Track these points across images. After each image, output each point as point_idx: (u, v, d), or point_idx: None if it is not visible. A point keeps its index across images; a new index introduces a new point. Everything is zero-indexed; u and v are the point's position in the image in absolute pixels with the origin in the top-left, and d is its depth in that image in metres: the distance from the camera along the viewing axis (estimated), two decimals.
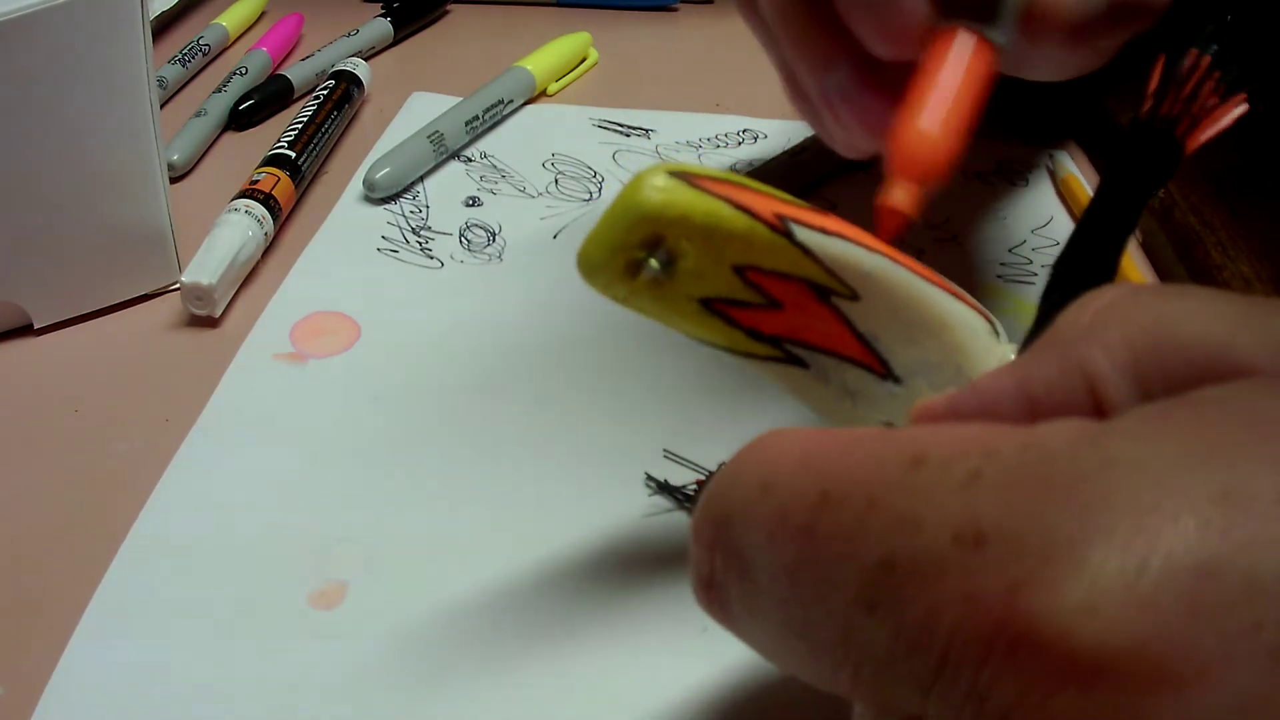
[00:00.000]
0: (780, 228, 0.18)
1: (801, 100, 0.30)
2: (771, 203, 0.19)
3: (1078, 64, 0.30)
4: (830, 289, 0.19)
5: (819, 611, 0.15)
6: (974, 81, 0.23)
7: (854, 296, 0.19)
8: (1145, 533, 0.13)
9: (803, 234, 0.19)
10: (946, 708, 0.14)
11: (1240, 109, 0.22)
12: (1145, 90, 0.23)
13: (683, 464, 0.31)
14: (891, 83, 0.26)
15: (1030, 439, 0.15)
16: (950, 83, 0.23)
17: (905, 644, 0.14)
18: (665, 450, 0.31)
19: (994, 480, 0.14)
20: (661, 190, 0.18)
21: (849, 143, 0.29)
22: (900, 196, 0.22)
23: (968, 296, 0.21)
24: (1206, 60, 0.22)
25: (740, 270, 0.19)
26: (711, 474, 0.30)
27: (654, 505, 0.30)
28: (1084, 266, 0.24)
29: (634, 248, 0.18)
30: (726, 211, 0.18)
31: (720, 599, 0.17)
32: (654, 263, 0.18)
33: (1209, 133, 0.22)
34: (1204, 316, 0.16)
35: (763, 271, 0.19)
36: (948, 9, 0.24)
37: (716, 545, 0.17)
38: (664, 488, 0.30)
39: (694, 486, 0.30)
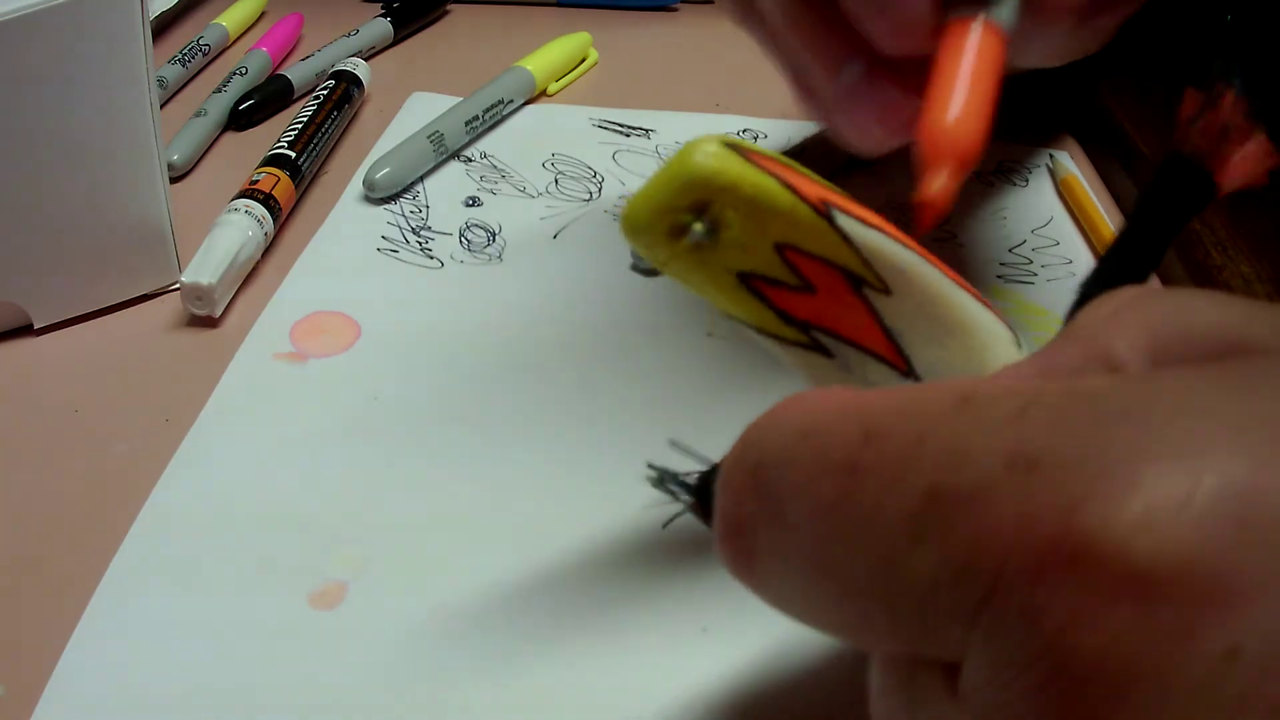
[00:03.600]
0: (823, 210, 0.19)
1: (811, 100, 0.30)
2: (817, 187, 0.19)
3: (1072, 48, 0.30)
4: (864, 279, 0.19)
5: (857, 549, 0.15)
6: (990, 68, 0.23)
7: (886, 290, 0.20)
8: (1197, 456, 0.13)
9: (843, 220, 0.19)
10: (994, 634, 0.14)
11: (1270, 157, 0.22)
12: (1176, 122, 0.23)
13: (688, 456, 0.31)
14: (903, 76, 0.26)
15: (1073, 384, 0.15)
16: (968, 71, 0.23)
17: (952, 571, 0.14)
18: (670, 440, 0.31)
19: (1043, 413, 0.14)
20: (714, 156, 0.18)
21: (865, 140, 0.29)
22: (936, 188, 0.22)
23: (993, 306, 0.21)
24: (1230, 93, 0.22)
25: (780, 248, 0.19)
26: (715, 465, 0.30)
27: (654, 504, 0.29)
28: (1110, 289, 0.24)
29: (681, 210, 0.19)
30: (774, 186, 0.18)
31: (747, 547, 0.17)
32: (699, 227, 0.19)
33: (1242, 180, 0.23)
34: (1218, 308, 0.16)
35: (801, 252, 0.19)
36: (953, 2, 0.24)
37: (748, 491, 0.17)
38: (665, 476, 0.30)
39: (695, 476, 0.30)
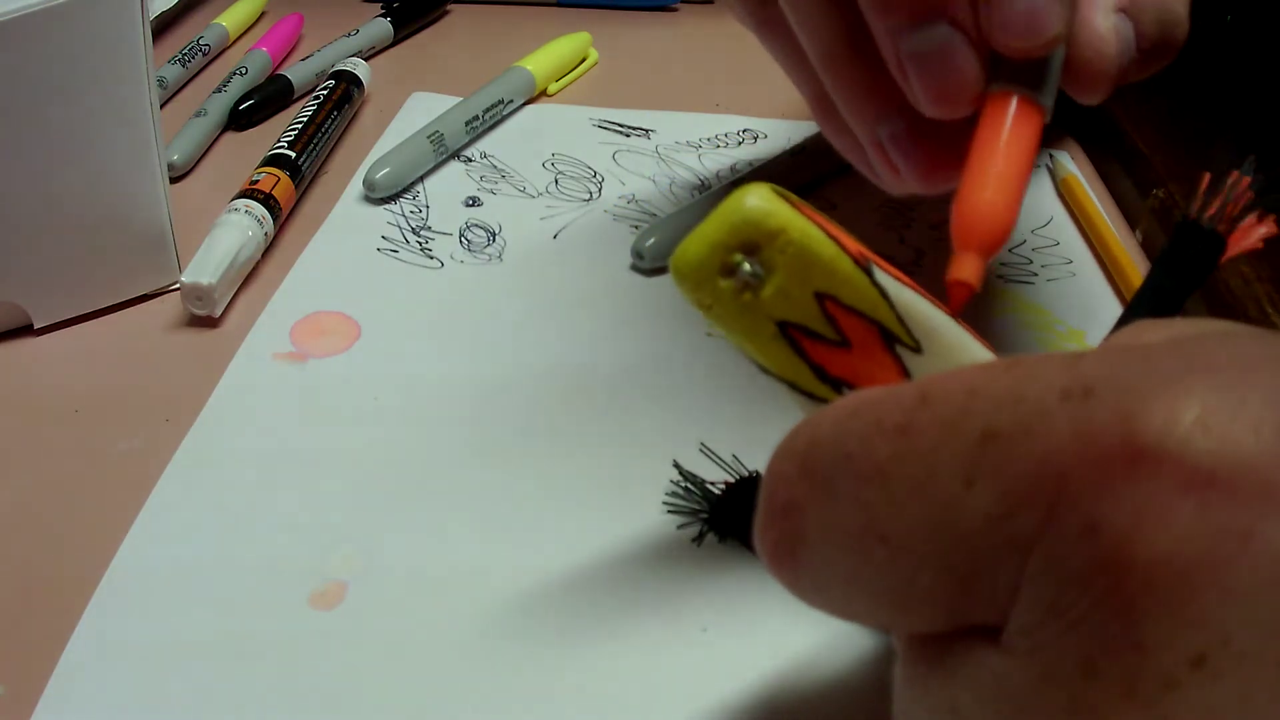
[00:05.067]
0: (863, 264, 0.19)
1: (838, 132, 0.30)
2: (855, 243, 0.20)
3: None
4: (897, 336, 0.20)
5: (910, 504, 0.15)
6: (1028, 148, 0.24)
7: (917, 349, 0.20)
8: (1245, 374, 0.14)
9: (880, 275, 0.20)
10: (1052, 557, 0.14)
11: (1269, 229, 0.26)
12: (1194, 195, 0.26)
13: (707, 456, 0.31)
14: (943, 131, 0.26)
15: (1117, 344, 0.16)
16: (1007, 152, 0.24)
17: (1009, 504, 0.14)
18: (701, 445, 0.31)
19: (1094, 357, 0.15)
20: (767, 200, 0.19)
21: (896, 188, 0.29)
22: (968, 270, 0.22)
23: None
24: (1246, 180, 0.26)
25: (821, 298, 0.19)
26: (742, 478, 0.30)
27: (654, 505, 0.30)
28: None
29: (733, 249, 0.19)
30: (818, 234, 0.19)
31: (793, 532, 0.17)
32: (748, 266, 0.19)
33: (1244, 246, 0.26)
34: (1240, 325, 0.17)
35: (840, 304, 0.20)
36: (996, 74, 0.25)
37: (797, 474, 0.17)
38: (690, 480, 0.30)
39: (719, 485, 0.30)
